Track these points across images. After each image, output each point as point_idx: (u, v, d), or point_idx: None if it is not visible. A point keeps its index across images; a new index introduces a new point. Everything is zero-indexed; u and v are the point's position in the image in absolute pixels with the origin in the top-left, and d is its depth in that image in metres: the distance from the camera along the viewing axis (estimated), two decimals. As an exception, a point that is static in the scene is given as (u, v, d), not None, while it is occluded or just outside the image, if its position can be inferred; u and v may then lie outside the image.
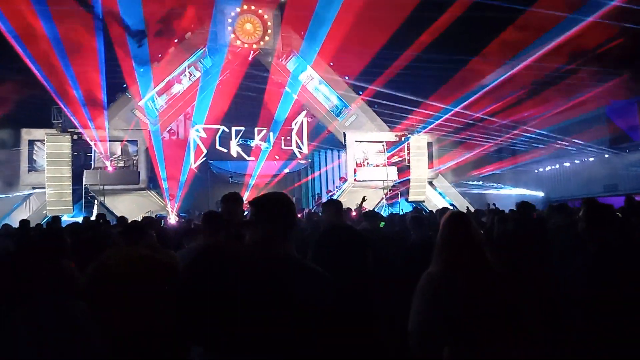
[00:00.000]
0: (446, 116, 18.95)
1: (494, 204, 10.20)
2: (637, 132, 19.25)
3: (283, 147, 20.53)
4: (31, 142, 17.30)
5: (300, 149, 20.83)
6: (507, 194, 20.65)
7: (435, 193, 21.04)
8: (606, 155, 19.23)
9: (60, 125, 16.72)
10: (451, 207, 14.34)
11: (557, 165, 21.64)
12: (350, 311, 3.30)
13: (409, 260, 4.32)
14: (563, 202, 14.85)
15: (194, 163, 19.33)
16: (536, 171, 22.36)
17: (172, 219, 15.30)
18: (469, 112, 18.42)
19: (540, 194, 20.95)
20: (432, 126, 20.01)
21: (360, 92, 20.89)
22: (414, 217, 5.40)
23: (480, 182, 21.52)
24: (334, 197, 18.94)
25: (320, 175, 21.18)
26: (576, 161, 20.60)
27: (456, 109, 18.44)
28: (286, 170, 20.76)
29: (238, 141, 19.84)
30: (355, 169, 20.42)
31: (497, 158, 21.79)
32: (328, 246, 3.63)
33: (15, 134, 17.13)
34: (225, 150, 19.71)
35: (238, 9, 19.33)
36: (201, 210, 17.90)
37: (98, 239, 5.02)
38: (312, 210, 14.40)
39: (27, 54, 14.80)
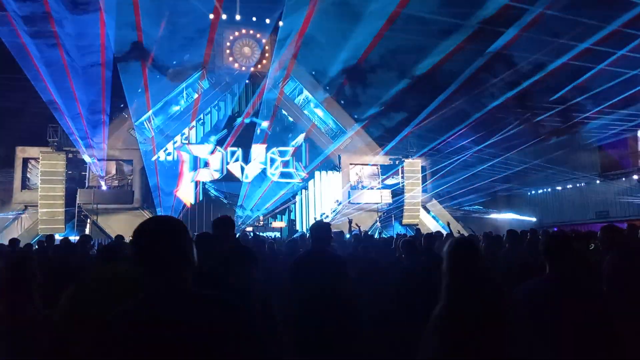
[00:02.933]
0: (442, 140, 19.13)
1: (470, 228, 10.24)
2: (628, 160, 19.54)
3: (282, 169, 20.59)
4: (25, 161, 17.31)
5: (299, 170, 20.91)
6: (501, 218, 20.77)
7: (429, 216, 21.11)
8: (597, 182, 19.45)
9: (55, 143, 16.74)
10: (444, 231, 14.37)
11: (549, 189, 21.83)
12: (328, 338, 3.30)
13: (402, 288, 4.33)
14: (555, 226, 14.99)
15: (186, 183, 19.31)
16: (529, 194, 22.53)
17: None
18: (463, 141, 18.66)
19: (533, 219, 21.06)
20: (426, 151, 20.23)
21: (356, 116, 21.14)
22: (406, 241, 5.41)
23: (474, 206, 21.62)
24: (327, 219, 18.99)
25: (314, 197, 21.22)
26: (568, 186, 20.80)
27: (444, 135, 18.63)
28: (282, 192, 20.78)
29: (233, 162, 19.90)
30: (349, 192, 20.51)
31: (490, 183, 21.96)
32: (302, 274, 3.62)
33: (10, 152, 17.11)
34: (217, 172, 19.73)
35: (237, 33, 19.69)
36: (195, 231, 17.85)
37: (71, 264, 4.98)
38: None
39: (26, 72, 14.89)
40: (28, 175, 17.41)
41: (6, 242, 8.65)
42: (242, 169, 19.86)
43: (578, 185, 20.37)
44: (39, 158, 16.67)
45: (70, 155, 17.07)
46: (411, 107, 18.72)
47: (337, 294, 3.50)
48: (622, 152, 19.61)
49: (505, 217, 20.64)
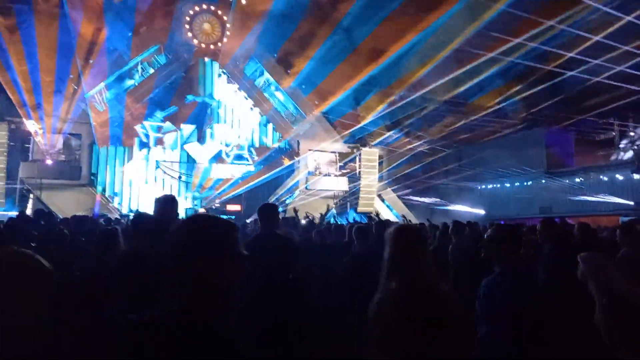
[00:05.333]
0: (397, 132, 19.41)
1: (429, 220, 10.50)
2: (572, 158, 20.56)
3: (236, 151, 20.27)
4: (-37, 129, 16.19)
5: (251, 154, 20.65)
6: (451, 209, 21.41)
7: (383, 205, 21.47)
8: (543, 181, 20.38)
9: (-4, 112, 15.76)
10: (397, 219, 14.69)
11: (498, 185, 22.69)
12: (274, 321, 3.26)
13: (351, 272, 4.37)
14: (501, 220, 15.59)
15: (138, 161, 18.68)
16: (479, 188, 23.34)
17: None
18: (419, 131, 19.01)
19: (482, 211, 21.85)
20: (383, 139, 20.49)
21: (317, 102, 21.07)
22: (359, 227, 5.46)
23: (427, 197, 22.20)
24: (286, 204, 18.95)
25: (270, 181, 21.07)
26: (516, 184, 21.70)
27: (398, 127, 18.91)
28: (237, 175, 20.48)
29: (187, 141, 19.41)
30: (307, 178, 20.50)
31: (443, 174, 22.58)
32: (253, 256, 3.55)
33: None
34: (171, 150, 19.20)
35: (197, 8, 19.06)
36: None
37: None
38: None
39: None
40: (-35, 145, 16.31)
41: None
42: (195, 149, 19.38)
43: (525, 182, 21.28)
44: (-23, 127, 15.67)
45: (12, 126, 16.11)
46: (374, 96, 18.83)
47: (287, 277, 3.46)
48: (567, 150, 20.61)
49: (456, 209, 21.29)
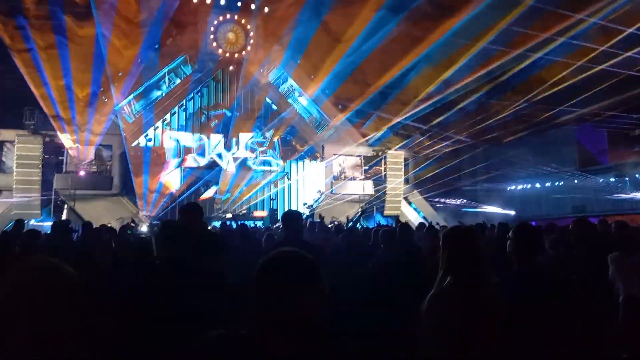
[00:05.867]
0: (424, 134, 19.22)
1: (437, 223, 10.34)
2: (605, 156, 19.91)
3: (262, 157, 20.46)
4: (1, 143, 16.85)
5: (276, 159, 20.80)
6: (481, 211, 21.01)
7: (410, 208, 21.25)
8: (575, 181, 19.81)
9: (32, 127, 16.33)
10: (425, 222, 14.49)
11: (529, 185, 22.17)
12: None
13: (378, 276, 4.33)
14: (532, 220, 15.16)
15: (170, 170, 19.07)
16: (509, 189, 22.85)
17: (144, 227, 15.02)
18: (445, 132, 18.76)
19: (512, 212, 21.37)
20: (409, 142, 20.31)
21: (340, 106, 21.08)
22: (385, 231, 5.41)
23: (455, 199, 21.86)
24: (312, 209, 19.00)
25: (297, 186, 21.18)
26: (547, 184, 21.16)
27: (427, 126, 18.72)
28: (263, 181, 20.66)
29: (214, 149, 19.70)
30: (332, 182, 20.51)
31: (471, 175, 22.20)
32: None
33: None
34: (202, 158, 19.52)
35: (221, 18, 19.37)
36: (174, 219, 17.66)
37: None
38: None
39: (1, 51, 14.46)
40: (3, 159, 16.97)
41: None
42: (221, 156, 19.64)
43: (557, 181, 20.72)
44: (14, 141, 16.27)
45: (47, 139, 16.69)
46: (397, 99, 18.68)
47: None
48: (599, 147, 19.97)
49: (486, 210, 20.89)
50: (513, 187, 22.81)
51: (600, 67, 14.05)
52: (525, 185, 22.39)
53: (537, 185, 21.61)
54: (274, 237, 7.32)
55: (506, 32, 13.58)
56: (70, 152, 17.03)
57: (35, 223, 14.92)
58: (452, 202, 21.77)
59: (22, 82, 15.02)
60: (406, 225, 5.97)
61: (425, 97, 17.43)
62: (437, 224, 12.67)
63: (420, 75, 16.77)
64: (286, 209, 20.88)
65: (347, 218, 9.44)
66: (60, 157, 17.32)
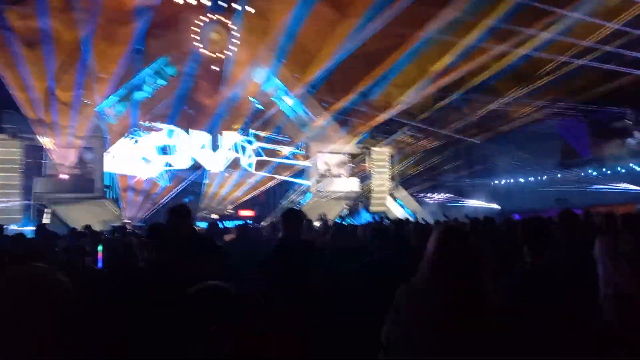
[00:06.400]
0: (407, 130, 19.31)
1: (423, 219, 10.44)
2: (587, 149, 20.27)
3: (248, 157, 20.37)
4: (-21, 148, 16.43)
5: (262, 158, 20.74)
6: (465, 205, 21.23)
7: (395, 204, 21.36)
8: (558, 175, 20.12)
9: (11, 130, 15.97)
10: (411, 219, 14.58)
11: (512, 180, 22.46)
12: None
13: (368, 275, 4.33)
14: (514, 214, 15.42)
15: (152, 170, 18.86)
16: (492, 184, 23.11)
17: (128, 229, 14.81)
18: (430, 127, 18.89)
19: (497, 206, 21.63)
20: (393, 138, 20.42)
21: (325, 104, 21.06)
22: (375, 228, 5.43)
23: (440, 194, 22.06)
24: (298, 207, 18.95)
25: (282, 185, 21.12)
26: (530, 178, 21.46)
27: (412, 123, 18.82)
28: (249, 180, 20.54)
29: (198, 149, 19.55)
30: (318, 180, 20.50)
31: (454, 170, 22.42)
32: (280, 263, 3.56)
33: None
34: (187, 158, 19.34)
35: (204, 18, 19.18)
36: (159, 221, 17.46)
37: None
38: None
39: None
40: (-19, 163, 16.54)
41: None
42: (205, 156, 19.50)
43: (540, 175, 21.03)
44: (-7, 145, 15.92)
45: (27, 142, 16.34)
46: (381, 96, 18.75)
47: (312, 283, 3.47)
48: (581, 141, 20.33)
49: (471, 204, 21.11)
50: (497, 181, 23.08)
51: (579, 61, 14.31)
52: (508, 180, 22.67)
53: (521, 179, 21.91)
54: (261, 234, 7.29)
55: (489, 27, 13.71)
56: (51, 155, 16.69)
57: (16, 228, 14.59)
58: (438, 197, 21.95)
59: (0, 84, 14.68)
60: (399, 222, 6.00)
61: (410, 93, 17.53)
62: (423, 219, 12.76)
63: (404, 72, 16.85)
64: (274, 207, 20.86)
65: (340, 217, 9.47)
66: (41, 161, 16.96)
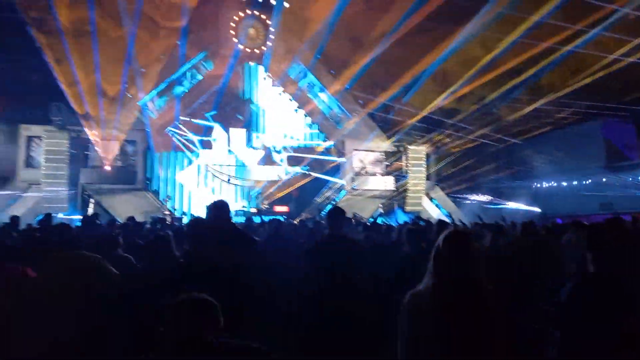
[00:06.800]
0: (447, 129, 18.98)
1: (481, 218, 10.21)
2: (634, 151, 19.35)
3: (283, 153, 20.54)
4: (29, 139, 17.27)
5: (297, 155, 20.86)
6: (505, 207, 20.70)
7: (431, 204, 21.07)
8: (604, 179, 19.31)
9: (59, 122, 16.68)
10: (447, 219, 14.35)
11: (554, 182, 21.73)
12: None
13: (399, 273, 4.30)
14: (558, 218, 14.90)
15: (192, 166, 19.31)
16: (533, 186, 22.43)
17: (167, 221, 15.23)
18: (469, 126, 18.49)
19: (537, 209, 20.99)
20: (431, 137, 20.11)
21: (361, 101, 20.97)
22: (410, 229, 5.37)
23: (478, 195, 21.59)
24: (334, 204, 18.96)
25: (317, 182, 21.18)
26: (573, 182, 20.70)
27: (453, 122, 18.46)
28: (284, 176, 20.73)
29: (236, 145, 19.86)
30: (353, 178, 20.46)
31: (494, 171, 21.88)
32: (323, 257, 3.60)
33: (14, 130, 17.06)
34: (224, 153, 19.69)
35: (242, 14, 19.43)
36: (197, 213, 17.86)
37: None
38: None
39: (30, 47, 14.73)
40: (32, 153, 17.38)
41: (7, 220, 8.67)
42: (242, 151, 19.80)
43: (583, 178, 20.25)
44: (42, 137, 16.67)
45: (73, 134, 17.04)
46: (420, 94, 18.45)
47: (356, 280, 3.52)
48: (628, 142, 19.42)
49: (510, 207, 20.57)
50: (538, 184, 22.38)
51: (629, 59, 13.66)
52: (550, 183, 21.95)
53: (563, 182, 21.17)
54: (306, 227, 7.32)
55: (535, 24, 13.25)
56: (95, 147, 17.35)
57: (63, 217, 15.27)
58: (475, 199, 21.49)
59: (50, 77, 15.33)
60: (429, 223, 5.93)
61: (449, 92, 17.20)
62: (459, 220, 12.54)
63: (444, 70, 16.54)
64: (308, 204, 20.97)
65: (372, 217, 9.45)
66: (87, 152, 17.67)
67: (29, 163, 17.22)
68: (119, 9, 15.32)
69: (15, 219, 8.28)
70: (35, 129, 17.11)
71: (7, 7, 13.41)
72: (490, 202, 21.19)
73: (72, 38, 15.18)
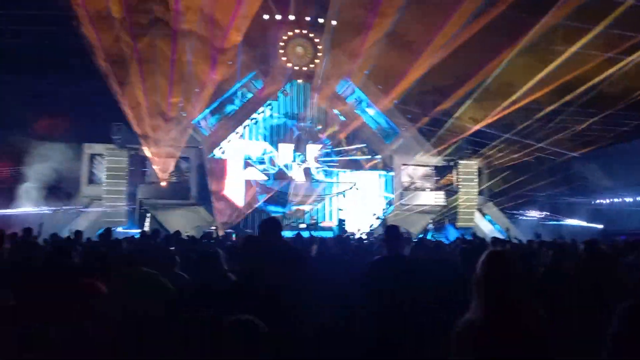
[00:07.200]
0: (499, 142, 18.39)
1: (539, 234, 9.76)
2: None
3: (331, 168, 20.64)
4: (92, 157, 18.28)
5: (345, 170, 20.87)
6: (563, 224, 19.71)
7: (484, 220, 20.40)
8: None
9: (119, 141, 17.57)
10: (501, 236, 13.82)
11: (617, 198, 20.49)
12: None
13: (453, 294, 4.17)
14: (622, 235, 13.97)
15: (237, 180, 19.71)
16: (594, 202, 21.25)
17: (215, 235, 15.57)
18: (525, 140, 17.81)
19: (599, 226, 19.83)
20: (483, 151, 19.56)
21: (409, 116, 20.77)
22: (464, 249, 5.21)
23: (535, 211, 20.69)
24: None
25: (364, 197, 21.05)
26: (638, 198, 19.43)
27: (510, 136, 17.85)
28: (332, 191, 20.77)
29: (283, 160, 20.15)
30: (402, 193, 20.19)
31: (551, 186, 20.89)
32: (382, 276, 3.57)
33: (78, 148, 18.08)
34: (271, 169, 20.00)
35: (290, 33, 19.86)
36: (246, 229, 18.20)
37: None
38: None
39: (93, 71, 15.66)
40: (94, 170, 18.37)
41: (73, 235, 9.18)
42: (289, 167, 20.03)
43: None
44: (104, 154, 17.62)
45: (132, 152, 17.89)
46: (472, 108, 18.03)
47: (415, 301, 3.46)
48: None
49: (569, 223, 19.56)
50: (598, 200, 21.19)
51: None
52: (612, 198, 20.72)
53: (628, 199, 19.91)
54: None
55: (598, 35, 12.66)
56: (152, 164, 18.12)
57: (122, 230, 15.99)
58: (531, 215, 20.60)
59: (111, 99, 16.23)
60: (483, 241, 5.72)
61: (503, 106, 16.69)
62: (515, 237, 12.04)
63: (500, 83, 16.08)
64: (353, 219, 20.87)
65: (422, 232, 9.25)
66: (144, 169, 18.48)
67: (91, 179, 18.21)
68: (177, 35, 16.11)
69: (78, 234, 8.79)
70: (98, 147, 18.10)
71: (74, 34, 14.37)
72: (547, 219, 20.24)
73: (133, 64, 16.06)
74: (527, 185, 19.20)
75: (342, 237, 9.09)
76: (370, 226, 19.76)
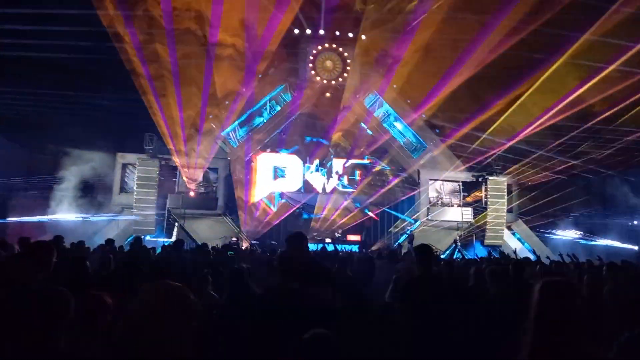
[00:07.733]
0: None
1: (573, 255, 9.44)
2: None
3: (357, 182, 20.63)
4: (124, 166, 18.77)
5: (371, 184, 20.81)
6: (597, 244, 19.05)
7: (513, 238, 19.93)
8: None
9: (151, 151, 18.00)
10: (530, 255, 13.46)
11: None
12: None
13: (488, 318, 4.08)
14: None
15: (264, 192, 19.88)
16: (630, 224, 20.50)
17: (243, 247, 15.72)
18: (558, 156, 17.40)
19: (635, 247, 19.08)
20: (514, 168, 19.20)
21: (437, 130, 20.59)
22: (492, 270, 5.10)
23: (566, 230, 20.09)
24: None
25: (390, 211, 20.90)
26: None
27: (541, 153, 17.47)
28: (357, 205, 20.72)
29: (311, 172, 20.24)
30: (428, 208, 19.95)
31: (584, 205, 20.27)
32: (423, 296, 3.56)
33: (111, 158, 18.60)
34: (297, 181, 20.12)
35: (320, 47, 20.03)
36: (272, 240, 18.29)
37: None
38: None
39: (127, 85, 16.18)
40: (125, 179, 18.85)
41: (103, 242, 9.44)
42: (316, 180, 20.12)
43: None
44: (135, 164, 18.07)
45: (163, 162, 18.29)
46: (502, 124, 17.74)
47: (451, 323, 3.43)
48: None
49: (603, 244, 18.89)
50: (635, 220, 20.43)
51: None
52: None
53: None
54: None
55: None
56: (182, 174, 18.47)
57: (150, 239, 16.31)
58: (563, 234, 20.01)
59: (144, 111, 16.69)
60: (517, 263, 5.57)
61: (533, 122, 16.37)
62: (547, 257, 11.74)
63: (531, 99, 15.81)
64: (380, 234, 20.73)
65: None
66: (173, 179, 18.85)
67: (123, 188, 18.68)
68: (211, 49, 16.52)
69: (110, 242, 9.04)
70: (130, 157, 18.59)
71: (113, 49, 14.90)
72: (580, 238, 19.62)
73: (168, 77, 16.52)
74: (560, 204, 18.68)
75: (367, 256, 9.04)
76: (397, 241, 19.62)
